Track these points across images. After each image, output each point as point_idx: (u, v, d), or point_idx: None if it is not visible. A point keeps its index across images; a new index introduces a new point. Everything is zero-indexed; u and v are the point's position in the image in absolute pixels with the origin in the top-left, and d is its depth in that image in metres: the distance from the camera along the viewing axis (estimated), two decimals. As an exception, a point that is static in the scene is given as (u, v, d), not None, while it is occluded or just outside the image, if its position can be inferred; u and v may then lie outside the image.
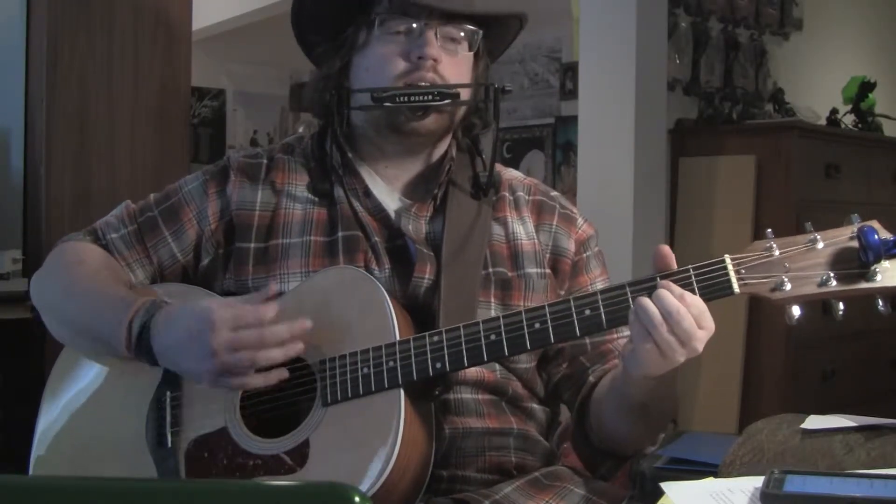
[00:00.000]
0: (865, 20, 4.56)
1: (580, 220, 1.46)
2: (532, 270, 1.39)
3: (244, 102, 6.19)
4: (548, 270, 1.40)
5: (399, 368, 1.19)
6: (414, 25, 1.33)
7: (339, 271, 1.31)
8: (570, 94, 4.91)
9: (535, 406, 1.39)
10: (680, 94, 3.54)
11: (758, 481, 1.05)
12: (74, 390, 1.37)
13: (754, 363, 3.24)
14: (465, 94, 1.36)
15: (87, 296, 1.33)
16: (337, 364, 1.22)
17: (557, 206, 1.46)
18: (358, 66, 1.37)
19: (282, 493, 0.72)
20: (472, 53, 1.39)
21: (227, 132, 6.12)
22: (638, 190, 3.22)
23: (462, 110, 1.39)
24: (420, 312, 1.29)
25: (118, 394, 1.33)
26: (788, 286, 1.12)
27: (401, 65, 1.33)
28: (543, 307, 1.19)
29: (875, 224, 1.11)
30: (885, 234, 1.10)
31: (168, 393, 1.29)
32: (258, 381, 1.20)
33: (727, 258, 1.15)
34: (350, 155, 1.40)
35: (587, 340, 1.38)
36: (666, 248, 1.17)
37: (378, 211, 1.38)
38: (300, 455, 1.19)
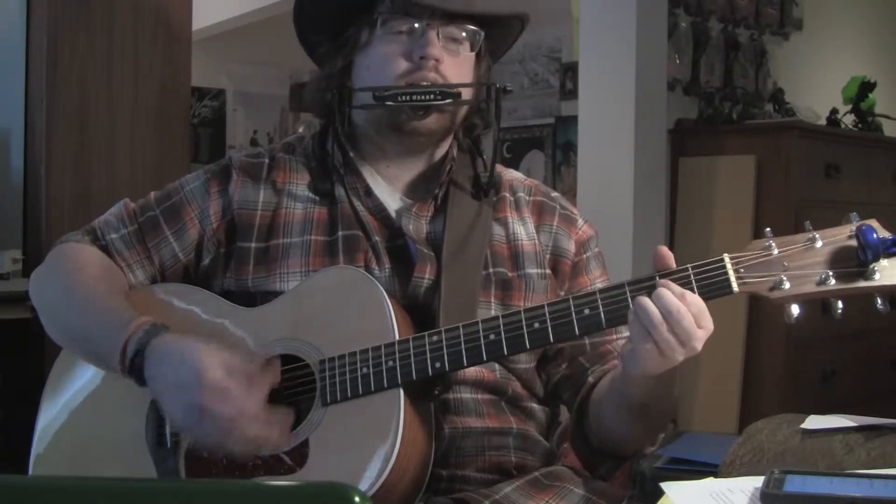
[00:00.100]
0: (865, 20, 4.56)
1: (580, 221, 1.46)
2: (532, 271, 1.39)
3: (244, 102, 6.19)
4: (548, 271, 1.40)
5: (398, 368, 1.19)
6: (416, 25, 1.34)
7: (338, 271, 1.31)
8: (570, 94, 4.91)
9: (535, 406, 1.39)
10: (680, 94, 3.54)
11: (758, 481, 1.05)
12: (74, 390, 1.37)
13: (754, 363, 3.24)
14: (466, 94, 1.36)
15: (85, 307, 1.32)
16: (336, 364, 1.22)
17: (558, 206, 1.46)
18: (360, 65, 1.38)
19: (282, 493, 0.72)
20: (473, 54, 1.39)
21: (227, 132, 6.13)
22: (638, 190, 3.22)
23: (463, 110, 1.39)
24: (420, 312, 1.29)
25: (118, 394, 1.32)
26: (787, 285, 1.12)
27: (403, 64, 1.34)
28: (542, 307, 1.19)
29: (874, 223, 1.11)
30: (883, 233, 1.10)
31: (168, 393, 1.28)
32: (232, 446, 1.18)
33: (726, 257, 1.15)
34: (351, 154, 1.40)
35: (587, 341, 1.38)
36: (665, 250, 1.17)
37: (379, 210, 1.38)
38: (300, 455, 1.19)
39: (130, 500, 0.73)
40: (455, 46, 1.36)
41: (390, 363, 1.20)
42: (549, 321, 1.18)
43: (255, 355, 1.22)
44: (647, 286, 1.15)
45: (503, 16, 1.40)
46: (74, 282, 1.35)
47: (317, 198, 1.39)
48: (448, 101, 1.33)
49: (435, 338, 1.20)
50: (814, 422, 1.32)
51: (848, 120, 3.80)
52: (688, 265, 1.15)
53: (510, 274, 1.38)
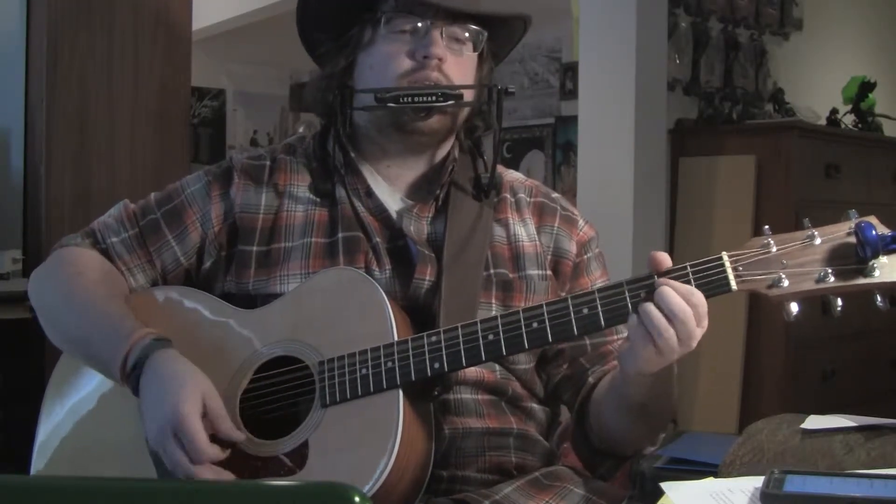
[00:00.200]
0: (865, 20, 4.56)
1: (581, 222, 1.46)
2: (533, 272, 1.39)
3: (244, 102, 6.19)
4: (549, 272, 1.40)
5: (397, 369, 1.19)
6: (419, 24, 1.34)
7: (337, 272, 1.31)
8: (570, 94, 4.91)
9: (535, 406, 1.39)
10: (680, 94, 3.54)
11: (758, 481, 1.05)
12: (75, 391, 1.37)
13: (754, 363, 3.24)
14: (468, 96, 1.36)
15: (85, 311, 1.32)
16: (336, 365, 1.22)
17: (559, 207, 1.46)
18: (363, 64, 1.38)
19: (282, 493, 0.72)
20: (476, 54, 1.39)
21: (227, 132, 6.12)
22: (638, 190, 3.22)
23: (465, 111, 1.39)
24: (421, 314, 1.29)
25: (119, 395, 1.32)
26: (786, 283, 1.12)
27: (406, 63, 1.34)
28: (541, 306, 1.19)
29: (873, 220, 1.11)
30: (882, 230, 1.10)
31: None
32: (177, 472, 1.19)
33: (724, 255, 1.15)
34: (352, 155, 1.40)
35: (587, 341, 1.38)
36: (660, 256, 1.16)
37: (380, 211, 1.37)
38: (299, 456, 1.19)
39: (130, 500, 0.73)
40: (458, 46, 1.36)
41: (389, 364, 1.20)
42: (547, 321, 1.18)
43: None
44: (646, 285, 1.15)
45: (507, 16, 1.40)
46: (74, 286, 1.35)
47: (317, 199, 1.39)
48: (450, 102, 1.33)
49: (434, 338, 1.20)
50: (814, 422, 1.32)
51: (848, 120, 3.80)
52: (686, 263, 1.15)
53: (511, 275, 1.37)
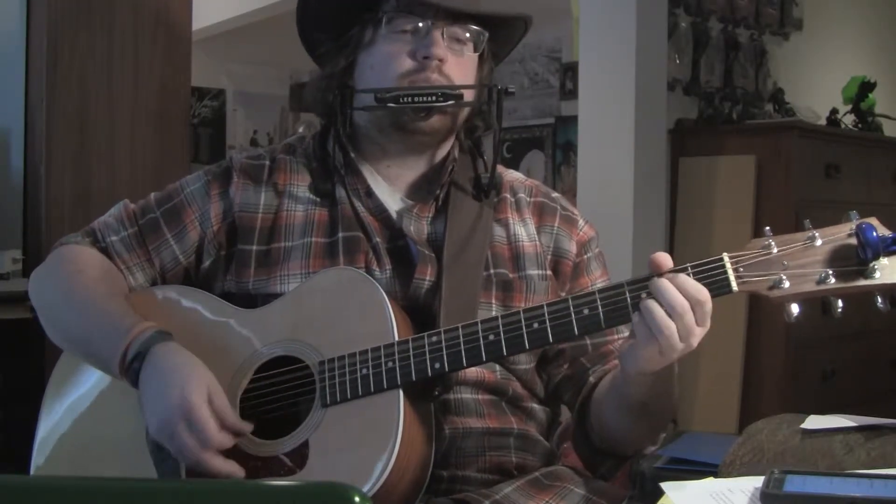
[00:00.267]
0: (865, 20, 4.56)
1: (581, 222, 1.46)
2: (533, 272, 1.39)
3: (244, 102, 6.19)
4: (549, 272, 1.40)
5: (398, 369, 1.19)
6: (420, 24, 1.34)
7: (338, 272, 1.31)
8: (570, 94, 4.91)
9: (536, 406, 1.39)
10: (680, 94, 3.54)
11: (758, 481, 1.05)
12: (75, 391, 1.37)
13: (754, 363, 3.24)
14: (468, 96, 1.36)
15: (85, 309, 1.33)
16: (336, 365, 1.22)
17: (559, 207, 1.46)
18: (363, 64, 1.38)
19: (282, 493, 0.72)
20: (476, 55, 1.39)
21: (227, 132, 6.12)
22: (638, 190, 3.22)
23: (465, 112, 1.39)
24: (421, 314, 1.29)
25: (119, 395, 1.32)
26: (787, 284, 1.12)
27: (406, 63, 1.34)
28: (542, 307, 1.19)
29: (873, 221, 1.11)
30: (883, 231, 1.10)
31: (168, 393, 1.28)
32: (185, 460, 1.20)
33: (725, 256, 1.15)
34: (352, 155, 1.40)
35: (588, 341, 1.38)
36: (661, 258, 1.16)
37: (380, 211, 1.37)
38: (300, 456, 1.19)
39: (130, 500, 0.73)
40: (459, 47, 1.36)
41: (390, 364, 1.20)
42: (548, 321, 1.18)
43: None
44: (646, 286, 1.15)
45: (507, 17, 1.40)
46: (74, 284, 1.35)
47: (317, 199, 1.39)
48: (450, 102, 1.33)
49: (434, 338, 1.20)
50: (814, 422, 1.32)
51: (848, 120, 3.80)
52: (687, 264, 1.15)
53: (511, 275, 1.37)
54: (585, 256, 1.44)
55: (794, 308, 1.13)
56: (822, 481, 1.02)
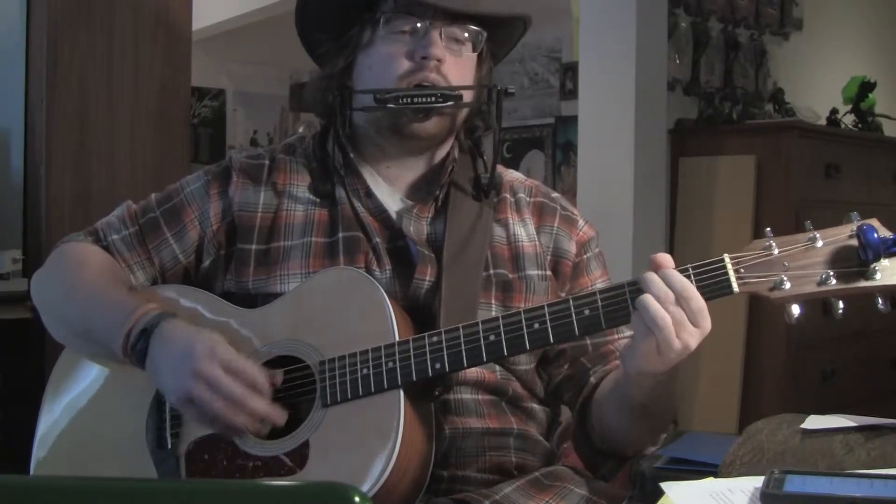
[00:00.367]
0: (865, 20, 4.56)
1: (581, 222, 1.46)
2: (533, 272, 1.39)
3: (244, 102, 6.19)
4: (549, 272, 1.40)
5: (398, 369, 1.19)
6: (419, 25, 1.34)
7: (338, 272, 1.31)
8: (570, 94, 4.91)
9: (536, 406, 1.39)
10: (680, 94, 3.54)
11: (758, 481, 1.05)
12: (75, 390, 1.37)
13: (754, 363, 3.24)
14: (467, 97, 1.36)
15: (88, 298, 1.33)
16: (336, 365, 1.22)
17: (558, 207, 1.46)
18: (362, 64, 1.38)
19: (282, 493, 0.72)
20: (475, 55, 1.39)
21: (227, 132, 6.13)
22: (638, 190, 3.22)
23: (464, 112, 1.39)
24: (421, 314, 1.29)
25: (118, 394, 1.33)
26: (788, 285, 1.12)
27: (405, 64, 1.34)
28: (542, 307, 1.19)
29: (874, 222, 1.11)
30: (884, 233, 1.10)
31: (168, 393, 1.29)
32: (214, 427, 1.21)
33: (726, 257, 1.15)
34: (352, 155, 1.40)
35: (588, 341, 1.38)
36: (661, 258, 1.16)
37: (379, 212, 1.37)
38: (300, 456, 1.19)
39: (130, 500, 0.73)
40: (457, 47, 1.36)
41: (390, 364, 1.20)
42: (549, 321, 1.18)
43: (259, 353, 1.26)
44: (646, 286, 1.15)
45: (506, 17, 1.40)
46: (77, 276, 1.36)
47: (317, 199, 1.39)
48: (449, 103, 1.33)
49: (435, 339, 1.20)
50: (814, 422, 1.32)
51: (848, 120, 3.80)
52: (688, 265, 1.15)
53: (511, 275, 1.37)
54: (585, 256, 1.44)
55: (795, 309, 1.13)
56: (822, 481, 1.02)
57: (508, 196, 1.44)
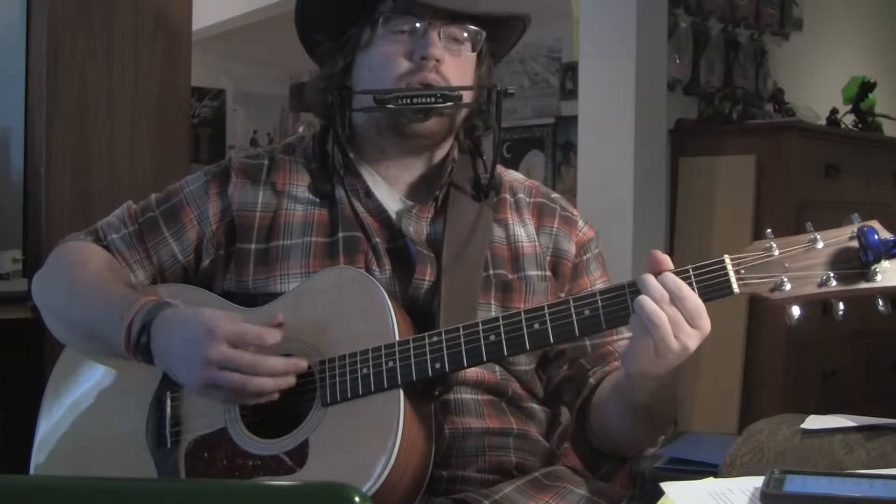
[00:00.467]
0: (865, 20, 4.56)
1: (581, 223, 1.46)
2: (533, 273, 1.39)
3: (244, 102, 6.20)
4: (548, 273, 1.40)
5: (398, 369, 1.19)
6: (417, 25, 1.34)
7: (338, 271, 1.31)
8: (570, 94, 4.92)
9: (536, 406, 1.39)
10: (680, 94, 3.54)
11: (758, 481, 1.05)
12: (75, 390, 1.37)
13: (754, 363, 3.24)
14: (467, 97, 1.36)
15: (89, 295, 1.33)
16: (336, 364, 1.22)
17: (558, 208, 1.46)
18: (361, 65, 1.38)
19: (282, 493, 0.72)
20: (474, 54, 1.39)
21: (227, 132, 6.13)
22: (638, 190, 3.22)
23: (464, 113, 1.39)
24: (420, 314, 1.29)
25: (118, 393, 1.33)
26: (788, 286, 1.12)
27: (404, 64, 1.34)
28: (542, 307, 1.19)
29: (875, 224, 1.11)
30: (885, 234, 1.10)
31: (168, 393, 1.29)
32: (244, 399, 1.20)
33: (727, 258, 1.15)
34: (352, 155, 1.40)
35: (588, 342, 1.38)
36: (659, 255, 1.16)
37: (379, 212, 1.38)
38: (300, 455, 1.19)
39: (130, 500, 0.73)
40: (456, 47, 1.36)
41: (390, 364, 1.20)
42: (549, 322, 1.18)
43: (260, 310, 1.28)
44: (646, 286, 1.15)
45: (505, 16, 1.40)
46: (77, 273, 1.36)
47: (317, 199, 1.39)
48: (449, 104, 1.33)
49: (435, 339, 1.20)
50: (814, 422, 1.32)
51: (848, 120, 3.80)
52: (688, 266, 1.15)
53: (510, 276, 1.37)
54: (585, 257, 1.44)
55: (796, 310, 1.13)
56: (822, 481, 1.02)
57: (508, 196, 1.44)
